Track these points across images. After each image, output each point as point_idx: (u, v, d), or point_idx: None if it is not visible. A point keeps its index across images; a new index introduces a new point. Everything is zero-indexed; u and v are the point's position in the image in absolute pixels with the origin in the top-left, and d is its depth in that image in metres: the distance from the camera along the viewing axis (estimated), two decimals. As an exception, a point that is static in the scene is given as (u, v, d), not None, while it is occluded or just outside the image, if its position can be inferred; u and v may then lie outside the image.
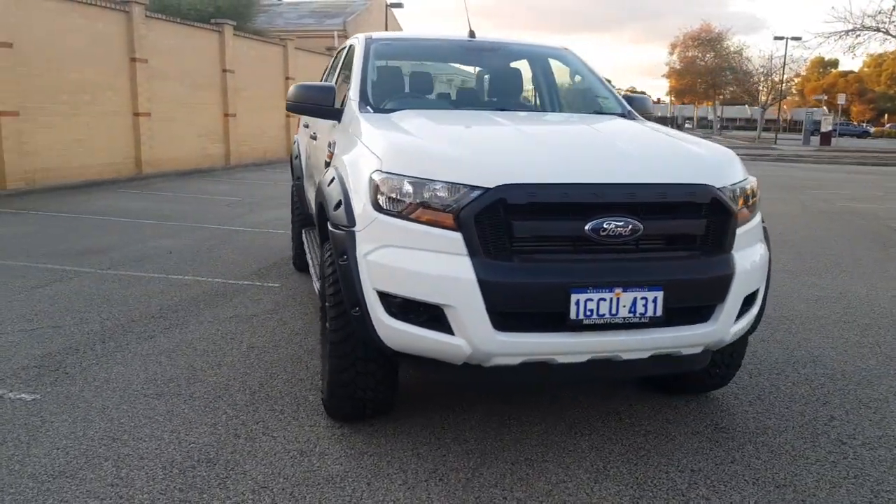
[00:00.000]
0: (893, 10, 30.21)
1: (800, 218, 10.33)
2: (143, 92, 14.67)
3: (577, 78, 4.64)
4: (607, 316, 2.52)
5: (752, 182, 2.93)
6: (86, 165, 13.20)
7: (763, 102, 49.69)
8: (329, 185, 3.12)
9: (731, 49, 50.64)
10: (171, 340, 4.24)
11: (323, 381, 3.17)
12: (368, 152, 2.85)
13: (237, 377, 3.67)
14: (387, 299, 2.58)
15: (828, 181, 17.35)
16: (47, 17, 12.21)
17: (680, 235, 2.67)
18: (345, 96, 3.87)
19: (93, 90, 13.40)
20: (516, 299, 2.48)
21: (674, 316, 2.62)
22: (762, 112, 51.29)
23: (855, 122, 75.93)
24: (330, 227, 2.91)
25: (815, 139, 41.10)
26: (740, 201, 2.78)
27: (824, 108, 55.27)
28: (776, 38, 64.48)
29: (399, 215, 2.58)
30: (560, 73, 4.75)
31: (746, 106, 68.23)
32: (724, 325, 2.71)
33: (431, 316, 2.53)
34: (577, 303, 2.48)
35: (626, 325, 2.57)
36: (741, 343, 3.22)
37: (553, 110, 4.54)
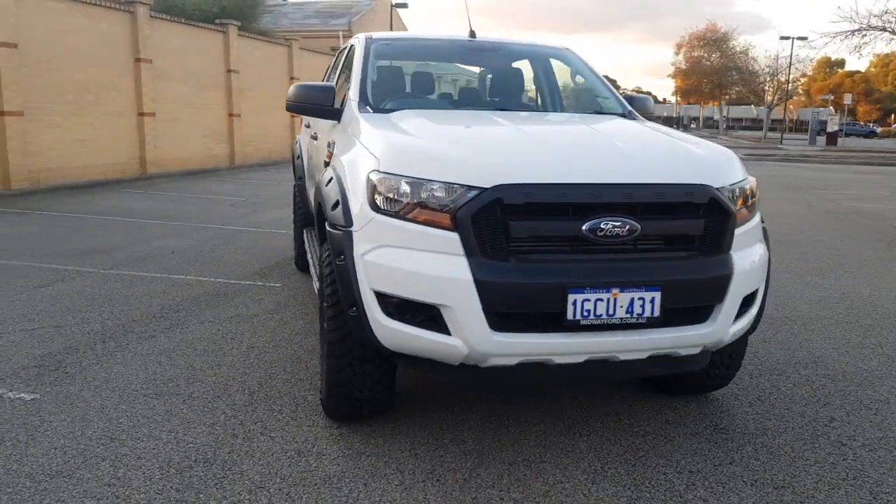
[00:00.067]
0: (899, 9, 30.09)
1: (805, 218, 10.29)
2: (148, 92, 14.70)
3: (579, 78, 4.63)
4: (604, 316, 2.51)
5: (751, 182, 2.91)
6: (90, 165, 13.24)
7: (769, 102, 49.59)
8: (327, 185, 3.12)
9: (737, 49, 50.61)
10: (172, 340, 4.25)
11: (322, 382, 3.17)
12: (366, 152, 2.85)
13: (236, 377, 3.67)
14: (384, 299, 2.58)
15: (834, 181, 17.27)
16: (52, 17, 12.26)
17: (678, 236, 2.66)
18: (345, 96, 3.88)
19: (97, 90, 13.44)
20: (513, 300, 2.48)
21: (672, 316, 2.61)
22: (768, 112, 51.17)
23: (861, 122, 75.64)
24: (328, 227, 2.91)
25: (822, 139, 41.01)
26: (739, 201, 2.77)
27: (830, 108, 55.05)
28: (782, 37, 63.80)
29: (396, 215, 2.58)
30: (561, 73, 4.74)
31: (752, 106, 68.18)
32: (723, 326, 2.70)
33: (428, 316, 2.52)
34: (575, 303, 2.47)
35: (624, 326, 2.55)
36: (741, 343, 3.21)
37: (554, 110, 4.54)
